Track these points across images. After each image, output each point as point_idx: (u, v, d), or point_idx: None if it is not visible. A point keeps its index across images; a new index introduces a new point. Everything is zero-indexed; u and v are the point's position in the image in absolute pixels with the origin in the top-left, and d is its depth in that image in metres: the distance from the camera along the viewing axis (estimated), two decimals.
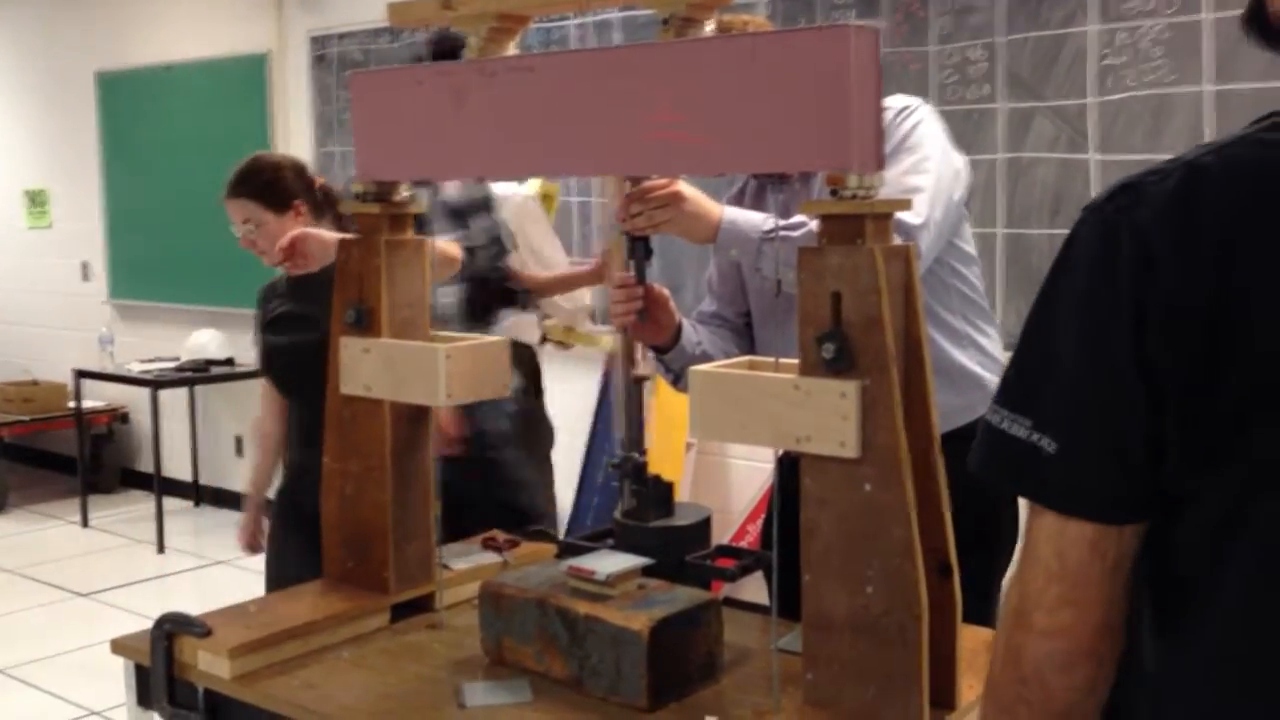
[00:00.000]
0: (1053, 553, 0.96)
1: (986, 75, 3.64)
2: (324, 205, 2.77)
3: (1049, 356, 0.96)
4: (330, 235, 2.50)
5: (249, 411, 6.05)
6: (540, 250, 3.68)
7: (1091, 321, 0.93)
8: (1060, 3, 3.50)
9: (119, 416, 6.71)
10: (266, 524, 2.92)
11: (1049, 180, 3.56)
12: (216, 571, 2.97)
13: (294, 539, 2.70)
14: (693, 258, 4.18)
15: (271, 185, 2.69)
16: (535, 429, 3.63)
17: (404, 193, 1.97)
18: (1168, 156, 3.47)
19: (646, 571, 1.76)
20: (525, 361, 3.65)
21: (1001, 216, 3.64)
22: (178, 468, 6.37)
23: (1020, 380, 0.98)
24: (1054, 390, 0.95)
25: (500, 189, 3.59)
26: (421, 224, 2.06)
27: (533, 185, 3.82)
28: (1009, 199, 3.63)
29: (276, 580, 2.80)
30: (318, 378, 2.49)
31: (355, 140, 1.95)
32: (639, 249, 1.97)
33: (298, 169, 2.76)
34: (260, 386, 2.95)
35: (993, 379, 2.21)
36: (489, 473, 3.25)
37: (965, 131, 3.69)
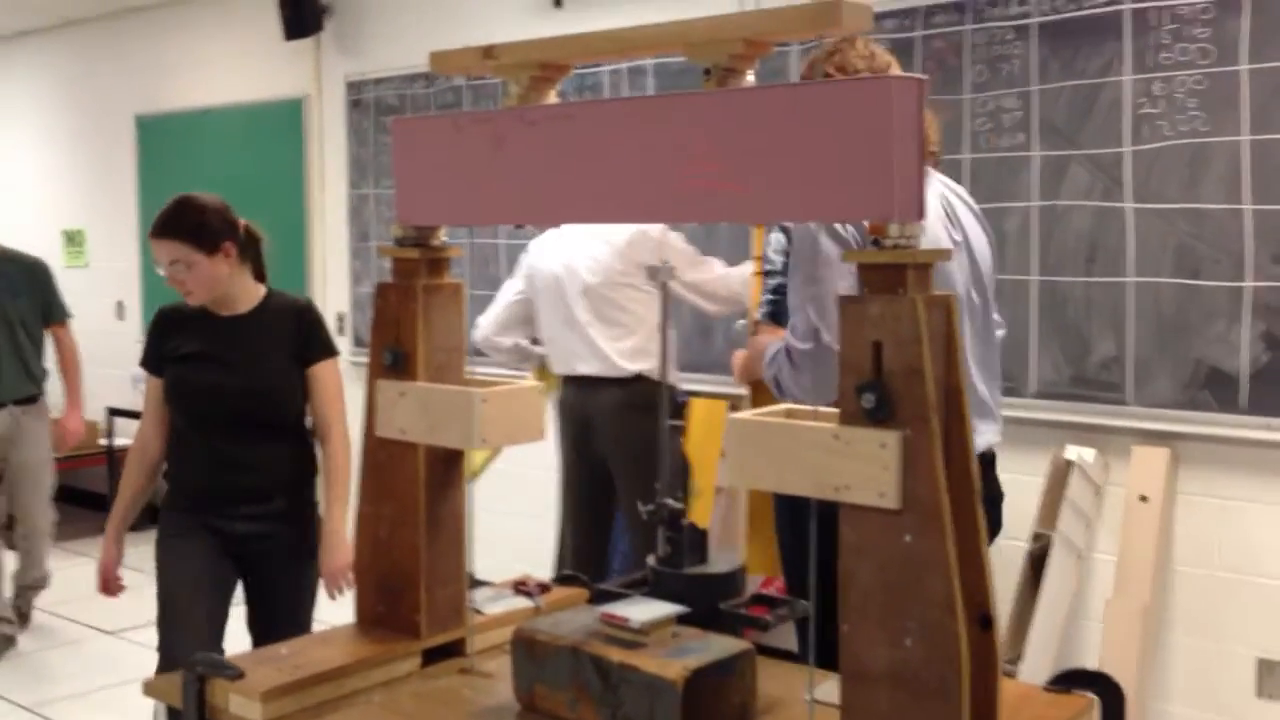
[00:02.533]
0: None
1: (1021, 124, 3.64)
2: (248, 245, 2.91)
3: None
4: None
5: None
6: (698, 281, 3.74)
7: None
8: (1095, 53, 3.50)
9: None
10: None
11: (1084, 229, 3.55)
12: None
13: (192, 546, 2.85)
14: None
15: (201, 227, 2.79)
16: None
17: (442, 237, 1.98)
18: (1205, 206, 3.51)
19: (681, 619, 1.75)
20: (671, 398, 3.70)
21: (1036, 264, 3.63)
22: None
23: None
24: None
25: (629, 229, 3.65)
26: None
27: None
28: (1043, 247, 3.62)
29: (176, 576, 2.86)
30: (239, 416, 2.80)
31: (396, 185, 1.97)
32: None
33: (224, 210, 2.86)
34: (148, 412, 2.95)
35: None
36: None
37: (999, 179, 3.70)
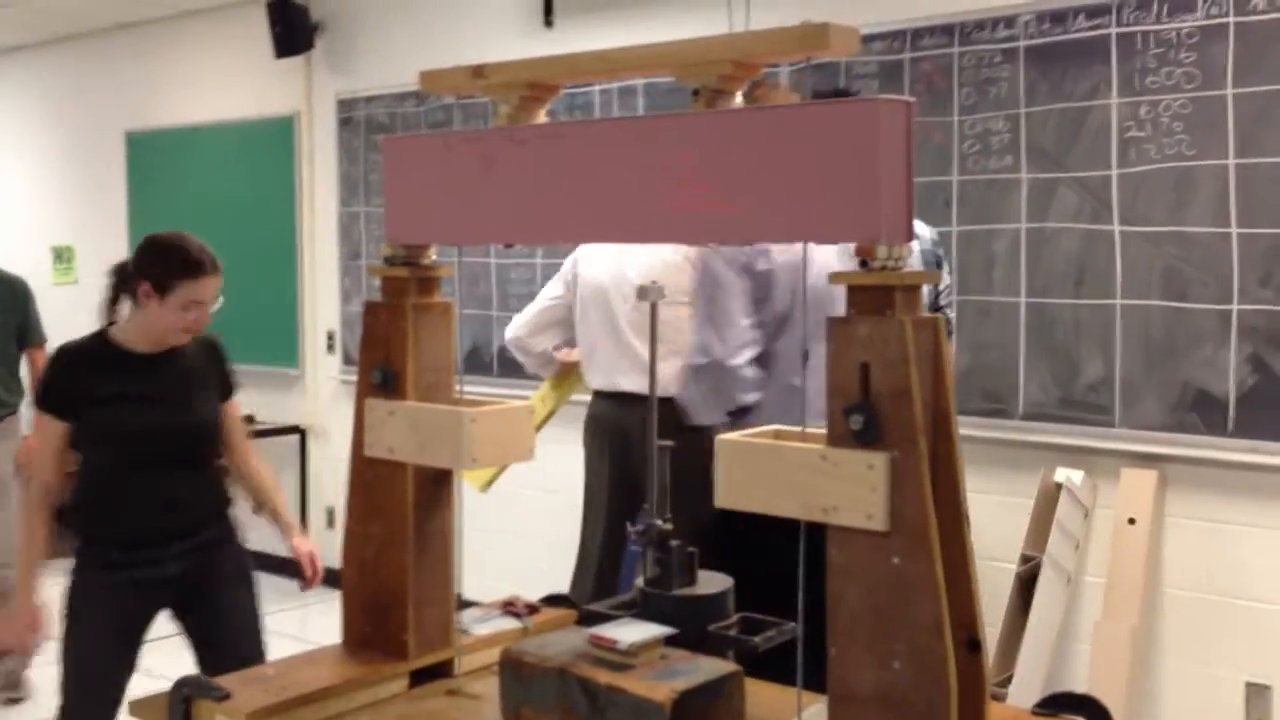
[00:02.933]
0: None
1: (1009, 146, 3.66)
2: None
3: None
4: None
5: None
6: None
7: None
8: (1083, 76, 3.52)
9: None
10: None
11: (1072, 251, 3.57)
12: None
13: (106, 612, 2.74)
14: None
15: None
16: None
17: (432, 256, 1.98)
18: (1192, 229, 3.56)
19: (669, 641, 1.75)
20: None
21: (1024, 286, 3.64)
22: None
23: None
24: None
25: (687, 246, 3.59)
26: None
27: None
28: (1031, 268, 3.63)
29: (88, 647, 2.73)
30: (174, 454, 2.75)
31: (385, 203, 1.97)
32: None
33: None
34: (49, 455, 2.75)
35: None
36: None
37: (988, 201, 3.71)
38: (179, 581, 2.79)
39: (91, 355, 2.77)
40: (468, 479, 3.99)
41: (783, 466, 1.52)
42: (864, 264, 1.46)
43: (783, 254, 2.66)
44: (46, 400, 2.76)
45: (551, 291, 3.89)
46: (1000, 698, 3.31)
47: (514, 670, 1.75)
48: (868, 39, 3.84)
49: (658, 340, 3.61)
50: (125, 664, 2.78)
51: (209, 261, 2.73)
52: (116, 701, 2.72)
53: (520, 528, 5.00)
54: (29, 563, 2.75)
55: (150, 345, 2.78)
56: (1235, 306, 3.30)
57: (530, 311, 3.94)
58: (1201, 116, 3.33)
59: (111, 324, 2.83)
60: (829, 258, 2.57)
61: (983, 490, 3.63)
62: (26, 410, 4.83)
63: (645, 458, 3.60)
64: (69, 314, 7.19)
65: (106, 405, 2.73)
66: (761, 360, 2.70)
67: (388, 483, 1.98)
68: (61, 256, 7.33)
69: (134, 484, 2.74)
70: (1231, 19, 3.28)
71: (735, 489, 1.58)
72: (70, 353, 2.78)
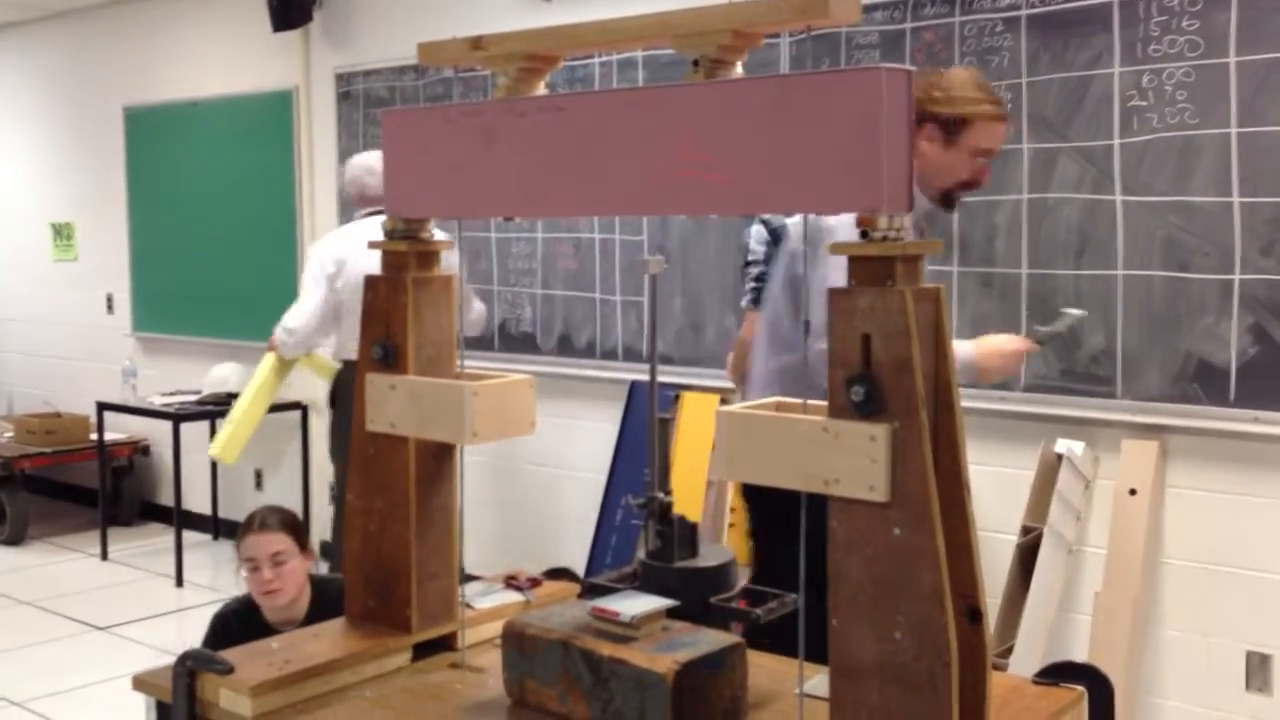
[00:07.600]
0: None
1: (1011, 116, 3.64)
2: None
3: None
4: None
5: (269, 446, 6.07)
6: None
7: None
8: (1084, 45, 3.50)
9: (140, 449, 6.73)
10: None
11: (1073, 221, 3.55)
12: None
13: None
14: (716, 298, 4.18)
15: (298, 524, 2.89)
16: None
17: (431, 231, 1.98)
18: (1194, 199, 3.55)
19: (671, 613, 1.75)
20: None
21: (1026, 257, 3.63)
22: (197, 501, 6.38)
23: None
24: None
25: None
26: None
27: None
28: (1033, 239, 3.62)
29: None
30: None
31: (385, 177, 1.97)
32: None
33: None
34: None
35: None
36: None
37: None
38: None
39: (243, 625, 2.85)
40: (219, 451, 4.65)
41: (785, 438, 1.52)
42: (865, 234, 1.45)
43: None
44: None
45: (318, 294, 4.34)
46: (1001, 668, 3.33)
47: (517, 643, 1.76)
48: (868, 8, 3.82)
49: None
50: None
51: (259, 520, 2.85)
52: None
53: (514, 500, 5.01)
54: None
55: (275, 617, 2.84)
56: (1237, 276, 3.29)
57: (311, 314, 4.36)
58: (1204, 85, 3.31)
59: None
60: None
61: (983, 461, 3.63)
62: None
63: None
64: (71, 290, 7.22)
65: None
66: None
67: (389, 457, 1.98)
68: (61, 233, 7.31)
69: None
70: None
71: (737, 461, 1.58)
72: (224, 619, 2.90)
